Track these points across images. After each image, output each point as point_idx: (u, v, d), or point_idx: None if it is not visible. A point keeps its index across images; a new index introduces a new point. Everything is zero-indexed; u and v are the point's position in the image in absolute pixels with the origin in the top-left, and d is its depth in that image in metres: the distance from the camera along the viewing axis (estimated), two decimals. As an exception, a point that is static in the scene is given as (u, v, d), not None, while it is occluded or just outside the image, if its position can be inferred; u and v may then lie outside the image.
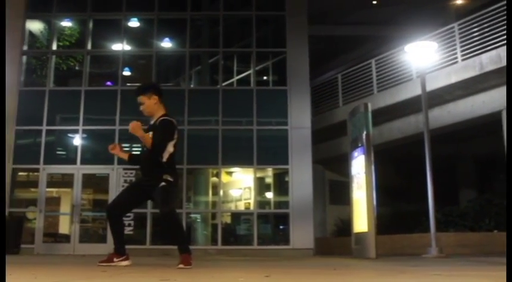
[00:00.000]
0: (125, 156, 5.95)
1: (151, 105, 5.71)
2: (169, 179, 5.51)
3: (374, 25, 20.44)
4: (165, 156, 5.56)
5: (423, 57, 11.78)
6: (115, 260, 5.51)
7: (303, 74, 15.67)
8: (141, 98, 5.72)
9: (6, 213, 14.39)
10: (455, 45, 13.85)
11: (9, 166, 15.09)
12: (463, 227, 14.07)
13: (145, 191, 5.67)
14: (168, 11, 16.65)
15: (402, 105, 15.16)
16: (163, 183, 5.48)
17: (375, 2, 20.20)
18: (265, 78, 17.60)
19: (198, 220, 16.20)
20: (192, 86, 17.24)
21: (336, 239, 17.00)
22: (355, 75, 17.15)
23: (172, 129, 5.65)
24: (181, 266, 5.16)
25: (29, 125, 15.58)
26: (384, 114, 15.42)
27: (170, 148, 5.60)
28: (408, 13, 18.81)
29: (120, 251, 5.58)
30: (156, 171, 5.56)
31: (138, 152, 6.21)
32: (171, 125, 5.65)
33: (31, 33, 16.77)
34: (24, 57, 16.31)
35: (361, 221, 10.42)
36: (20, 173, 15.99)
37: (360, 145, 10.55)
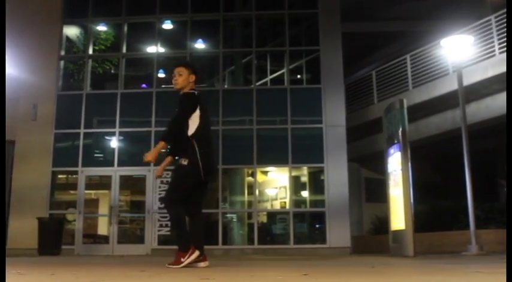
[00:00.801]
0: (170, 160, 5.67)
1: (186, 80, 5.69)
2: (190, 158, 5.29)
3: (408, 20, 20.18)
4: (192, 129, 5.39)
5: (459, 52, 11.58)
6: (182, 260, 5.21)
7: (337, 72, 15.57)
8: (181, 70, 5.69)
9: (47, 216, 14.73)
10: (492, 38, 13.60)
11: (48, 169, 15.42)
12: (504, 224, 13.77)
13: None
14: (201, 12, 16.76)
15: (438, 100, 14.95)
16: (181, 161, 5.33)
17: (408, -3, 19.93)
18: (298, 76, 17.55)
19: (234, 220, 16.25)
20: (226, 86, 17.31)
21: (373, 237, 16.86)
22: (389, 72, 16.98)
23: (192, 101, 5.53)
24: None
25: (67, 128, 15.87)
26: (420, 110, 15.23)
27: (196, 119, 5.43)
28: (443, 7, 18.50)
29: (186, 248, 5.27)
30: (179, 147, 5.44)
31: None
32: (191, 96, 5.56)
33: (68, 39, 17.10)
34: (62, 62, 16.64)
35: (398, 218, 10.31)
36: (60, 176, 16.32)
37: (396, 142, 10.44)
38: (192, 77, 5.71)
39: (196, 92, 5.63)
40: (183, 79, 5.65)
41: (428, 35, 17.24)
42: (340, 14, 16.02)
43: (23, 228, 14.42)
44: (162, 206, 5.45)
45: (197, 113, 5.46)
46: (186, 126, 5.39)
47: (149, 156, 5.47)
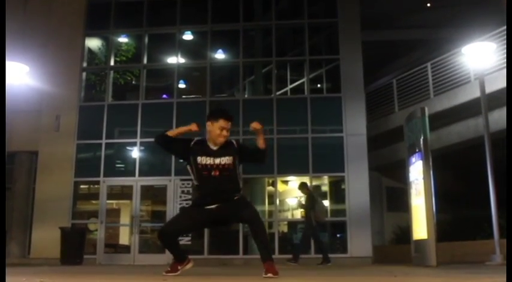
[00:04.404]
0: (173, 134, 5.69)
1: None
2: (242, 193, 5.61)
3: (428, 28, 20.09)
4: (241, 179, 5.69)
5: (481, 59, 11.47)
6: (179, 268, 5.55)
7: (357, 80, 15.54)
8: (229, 125, 5.66)
9: (69, 225, 14.85)
10: (514, 44, 13.42)
11: (71, 179, 15.57)
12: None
13: (212, 215, 5.55)
14: (221, 22, 16.86)
15: (460, 108, 14.81)
16: (236, 197, 5.53)
17: (428, 5, 19.85)
18: (319, 85, 17.54)
19: (255, 229, 16.19)
20: (246, 96, 17.36)
21: (395, 247, 16.69)
22: (410, 80, 16.87)
23: None
24: (269, 274, 4.98)
25: (89, 139, 16.03)
26: (442, 119, 15.09)
27: (240, 170, 5.73)
28: (464, 14, 18.39)
29: (181, 259, 5.61)
30: (232, 192, 5.58)
31: None
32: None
33: (90, 50, 17.32)
34: (84, 74, 16.84)
35: (420, 228, 10.18)
36: (82, 186, 16.48)
37: (417, 150, 10.34)
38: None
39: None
40: (227, 134, 5.64)
41: (449, 42, 17.13)
42: (360, 23, 16.00)
43: (45, 238, 14.57)
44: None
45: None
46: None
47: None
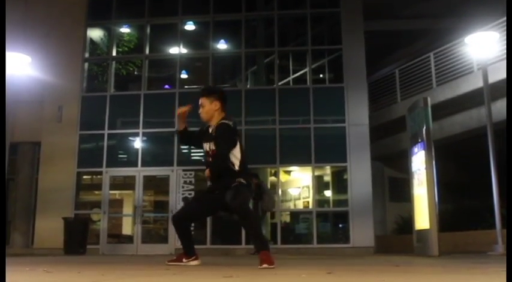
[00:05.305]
0: (181, 127, 5.53)
1: (211, 111, 5.39)
2: (242, 181, 5.27)
3: (431, 18, 19.97)
4: (236, 164, 5.29)
5: (484, 49, 11.43)
6: (184, 260, 5.43)
7: (360, 71, 15.51)
8: (203, 100, 5.39)
9: (73, 216, 14.90)
10: (517, 34, 13.36)
11: (73, 170, 15.60)
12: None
13: (216, 200, 5.37)
14: (223, 12, 16.82)
15: (463, 98, 14.78)
16: (235, 184, 5.23)
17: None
18: (321, 76, 17.51)
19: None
20: (248, 86, 17.33)
21: (397, 237, 16.73)
22: (413, 70, 16.84)
23: (230, 134, 5.31)
24: (264, 265, 4.77)
25: (91, 129, 16.05)
26: (444, 109, 15.07)
27: (237, 154, 5.31)
28: (467, 4, 18.26)
29: (189, 253, 5.48)
30: (227, 181, 5.25)
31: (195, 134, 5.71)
32: (228, 129, 5.29)
33: (92, 41, 17.30)
34: (86, 64, 16.82)
35: (422, 218, 10.20)
36: (84, 177, 16.51)
37: (419, 140, 10.34)
38: (216, 105, 5.40)
39: (231, 123, 5.35)
40: (206, 110, 5.38)
41: (452, 32, 17.05)
42: (363, 13, 15.95)
43: (48, 229, 14.62)
44: (238, 217, 5.14)
45: (237, 148, 5.33)
46: (228, 161, 5.28)
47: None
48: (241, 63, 16.63)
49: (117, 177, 16.38)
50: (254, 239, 5.18)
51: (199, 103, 5.45)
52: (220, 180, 5.33)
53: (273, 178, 16.04)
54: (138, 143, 16.05)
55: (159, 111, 16.16)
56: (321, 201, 16.13)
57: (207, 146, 5.40)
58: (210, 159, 5.41)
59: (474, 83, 13.76)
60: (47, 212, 14.91)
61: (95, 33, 17.49)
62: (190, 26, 17.28)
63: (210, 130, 5.43)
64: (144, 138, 16.03)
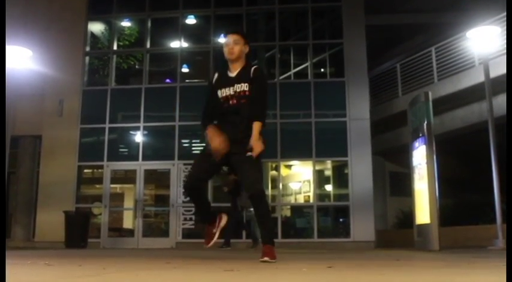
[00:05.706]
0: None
1: (242, 52, 5.13)
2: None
3: (433, 12, 19.93)
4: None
5: (485, 43, 11.41)
6: (214, 231, 5.22)
7: (361, 65, 15.49)
8: (238, 38, 5.12)
9: (74, 209, 14.93)
10: (519, 28, 13.33)
11: (74, 164, 15.62)
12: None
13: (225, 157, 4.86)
14: (224, 6, 16.78)
15: (464, 93, 14.77)
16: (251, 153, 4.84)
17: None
18: (322, 70, 17.48)
19: (258, 214, 16.23)
20: (249, 80, 17.25)
21: (398, 232, 16.76)
22: (414, 64, 16.83)
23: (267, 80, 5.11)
24: (266, 258, 4.59)
25: (92, 123, 16.06)
26: (446, 103, 15.07)
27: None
28: (468, -2, 18.25)
29: (211, 219, 5.28)
30: (248, 139, 4.88)
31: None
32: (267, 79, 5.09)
33: (93, 35, 17.28)
34: (87, 58, 16.81)
35: (423, 212, 10.22)
36: (85, 170, 16.53)
37: (420, 135, 10.34)
38: (247, 48, 5.17)
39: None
40: (240, 49, 5.07)
41: (454, 26, 17.01)
42: (364, 7, 15.91)
43: (50, 222, 14.65)
44: (257, 200, 4.72)
45: None
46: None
47: (258, 146, 5.03)
48: (242, 57, 16.56)
49: (118, 171, 16.40)
50: (264, 228, 4.87)
51: (232, 39, 5.16)
52: (248, 135, 4.96)
53: (274, 172, 16.05)
54: (139, 137, 16.06)
55: (160, 105, 16.16)
56: (321, 196, 16.14)
57: (229, 90, 4.98)
58: (235, 101, 4.97)
59: (475, 77, 13.74)
60: (48, 205, 14.93)
61: (96, 27, 17.47)
62: (191, 20, 17.25)
63: (234, 74, 5.09)
64: (145, 132, 16.04)
